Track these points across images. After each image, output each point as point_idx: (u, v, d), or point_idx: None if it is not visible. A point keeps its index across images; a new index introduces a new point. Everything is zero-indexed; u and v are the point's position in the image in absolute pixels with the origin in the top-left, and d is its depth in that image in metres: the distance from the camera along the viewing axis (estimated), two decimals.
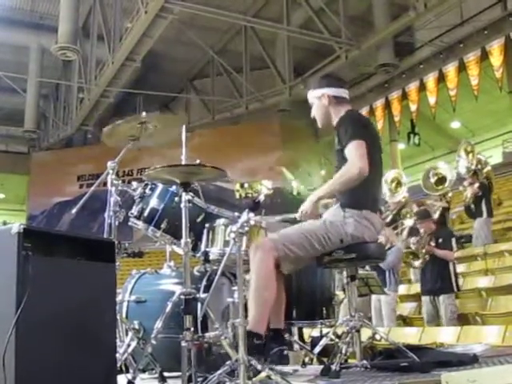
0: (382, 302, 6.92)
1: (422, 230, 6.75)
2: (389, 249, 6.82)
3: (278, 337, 3.07)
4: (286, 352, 3.06)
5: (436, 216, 7.74)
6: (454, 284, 6.39)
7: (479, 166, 9.04)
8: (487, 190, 8.96)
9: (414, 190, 12.91)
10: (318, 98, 3.22)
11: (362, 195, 2.99)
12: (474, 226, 9.34)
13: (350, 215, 2.96)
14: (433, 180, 8.88)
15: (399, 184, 8.69)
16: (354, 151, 2.87)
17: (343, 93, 3.22)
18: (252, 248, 2.78)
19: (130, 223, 3.39)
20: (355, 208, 2.98)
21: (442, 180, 8.81)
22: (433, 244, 6.53)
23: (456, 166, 9.29)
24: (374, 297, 6.84)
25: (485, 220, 8.92)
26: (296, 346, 3.87)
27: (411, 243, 6.78)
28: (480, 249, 8.64)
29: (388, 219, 8.12)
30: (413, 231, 7.30)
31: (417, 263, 6.71)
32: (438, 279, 6.39)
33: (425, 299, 6.59)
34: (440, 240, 6.53)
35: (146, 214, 3.33)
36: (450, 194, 8.91)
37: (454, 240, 6.64)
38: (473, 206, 8.95)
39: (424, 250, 6.52)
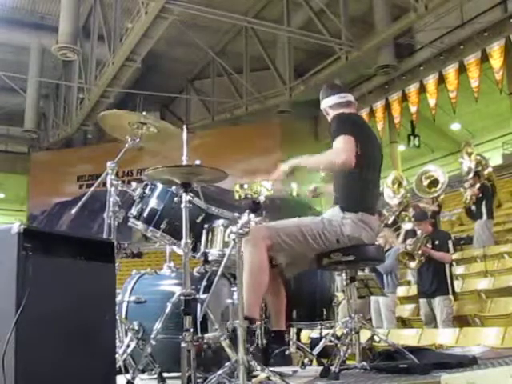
0: (380, 303, 6.94)
1: (418, 232, 6.76)
2: (387, 250, 6.84)
3: (279, 338, 3.07)
4: (287, 352, 3.06)
5: None
6: (450, 286, 6.40)
7: (479, 168, 9.05)
8: (488, 191, 8.95)
9: (413, 192, 12.92)
10: (323, 110, 3.31)
11: (358, 198, 3.02)
12: (474, 227, 9.34)
13: (348, 217, 2.97)
14: (425, 183, 8.88)
15: (400, 185, 8.70)
16: (342, 143, 2.89)
17: (340, 98, 3.25)
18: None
19: (129, 223, 3.39)
20: (352, 211, 2.99)
21: (434, 183, 8.81)
22: (429, 246, 6.54)
23: (460, 168, 9.33)
24: (372, 298, 6.85)
25: (485, 222, 8.91)
26: (294, 348, 3.87)
27: (407, 244, 6.80)
28: (479, 251, 8.64)
29: (390, 221, 8.14)
30: (409, 234, 7.32)
31: (412, 264, 6.72)
32: (434, 281, 6.40)
33: (422, 301, 6.61)
34: (437, 242, 6.54)
35: (145, 214, 3.33)
36: (442, 196, 8.91)
37: (450, 242, 6.65)
38: (474, 208, 8.95)
39: (420, 252, 6.52)
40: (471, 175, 8.92)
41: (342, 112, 3.18)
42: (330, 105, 3.26)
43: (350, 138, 2.90)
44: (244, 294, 2.66)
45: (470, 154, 9.14)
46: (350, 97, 3.28)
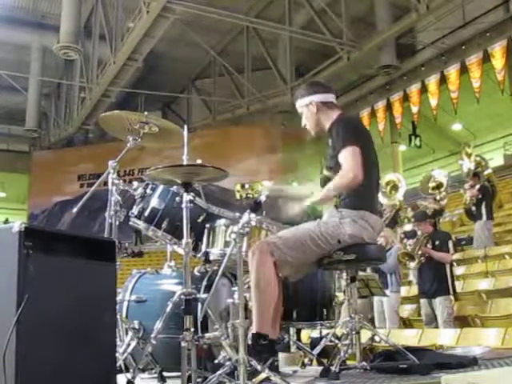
0: (384, 303, 6.93)
1: (419, 232, 6.76)
2: (388, 250, 6.84)
3: (271, 347, 3.06)
4: (276, 363, 3.04)
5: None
6: (451, 286, 6.41)
7: (479, 169, 9.05)
8: (488, 192, 8.94)
9: (414, 193, 12.92)
10: (306, 106, 3.22)
11: (358, 196, 2.99)
12: (474, 228, 9.34)
13: (346, 215, 2.96)
14: (431, 185, 8.87)
15: (394, 188, 8.68)
16: (350, 159, 2.89)
17: (331, 98, 3.23)
18: (250, 251, 2.78)
19: (130, 223, 3.39)
20: (351, 208, 2.97)
21: (438, 186, 8.81)
22: (429, 246, 6.54)
23: (460, 169, 9.33)
24: (376, 298, 6.85)
25: (484, 223, 8.91)
26: (293, 348, 3.87)
27: (407, 244, 6.79)
28: (481, 251, 8.64)
29: (386, 222, 8.13)
30: (409, 234, 7.31)
31: (412, 264, 6.72)
32: (435, 281, 6.40)
33: (423, 301, 6.61)
34: (437, 242, 6.54)
35: (146, 213, 3.33)
36: (445, 201, 8.89)
37: (450, 242, 6.66)
38: (474, 209, 8.96)
39: (420, 252, 6.52)
40: (470, 176, 8.93)
41: (341, 114, 3.18)
42: (323, 101, 3.17)
43: (355, 148, 2.90)
44: (253, 310, 2.68)
45: (469, 155, 9.14)
46: (334, 98, 3.26)
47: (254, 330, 2.77)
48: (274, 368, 2.98)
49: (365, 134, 3.15)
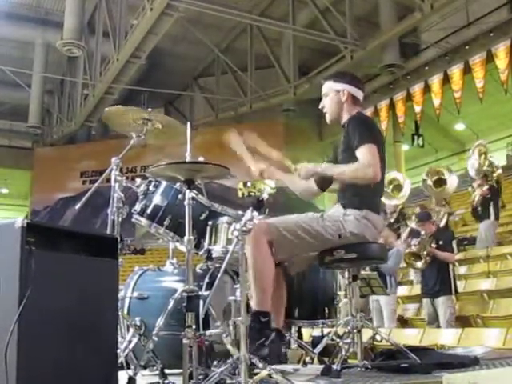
0: (382, 303, 6.94)
1: (422, 232, 6.75)
2: (388, 250, 6.83)
3: (277, 336, 3.06)
4: (284, 350, 3.05)
5: (443, 223, 7.69)
6: (453, 286, 6.41)
7: (490, 169, 8.99)
8: (496, 193, 8.94)
9: (417, 192, 12.91)
10: (336, 91, 3.19)
11: (363, 195, 3.00)
12: (479, 228, 9.30)
13: (350, 213, 2.96)
14: (432, 179, 8.79)
15: (397, 187, 8.65)
16: (370, 155, 2.86)
17: (360, 95, 3.23)
18: None
19: (132, 220, 3.39)
20: (356, 208, 2.98)
21: (441, 181, 8.73)
22: (433, 246, 6.54)
23: (467, 165, 9.26)
24: (372, 297, 6.85)
25: (492, 222, 8.91)
26: (296, 346, 3.87)
27: (412, 244, 6.78)
28: (483, 251, 8.63)
29: (392, 220, 8.11)
30: (413, 233, 7.31)
31: (419, 264, 6.71)
32: (438, 281, 6.41)
33: (425, 301, 6.62)
34: (441, 242, 6.54)
35: (149, 210, 3.33)
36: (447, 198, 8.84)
37: (454, 242, 6.66)
38: (479, 208, 8.93)
39: (426, 252, 6.52)
40: (481, 175, 8.86)
41: (360, 112, 3.17)
42: (354, 94, 3.18)
43: (375, 146, 2.88)
44: (252, 289, 2.68)
45: (481, 154, 9.03)
46: (362, 97, 3.26)
47: (253, 307, 2.79)
48: (283, 359, 2.98)
49: (380, 135, 3.17)
